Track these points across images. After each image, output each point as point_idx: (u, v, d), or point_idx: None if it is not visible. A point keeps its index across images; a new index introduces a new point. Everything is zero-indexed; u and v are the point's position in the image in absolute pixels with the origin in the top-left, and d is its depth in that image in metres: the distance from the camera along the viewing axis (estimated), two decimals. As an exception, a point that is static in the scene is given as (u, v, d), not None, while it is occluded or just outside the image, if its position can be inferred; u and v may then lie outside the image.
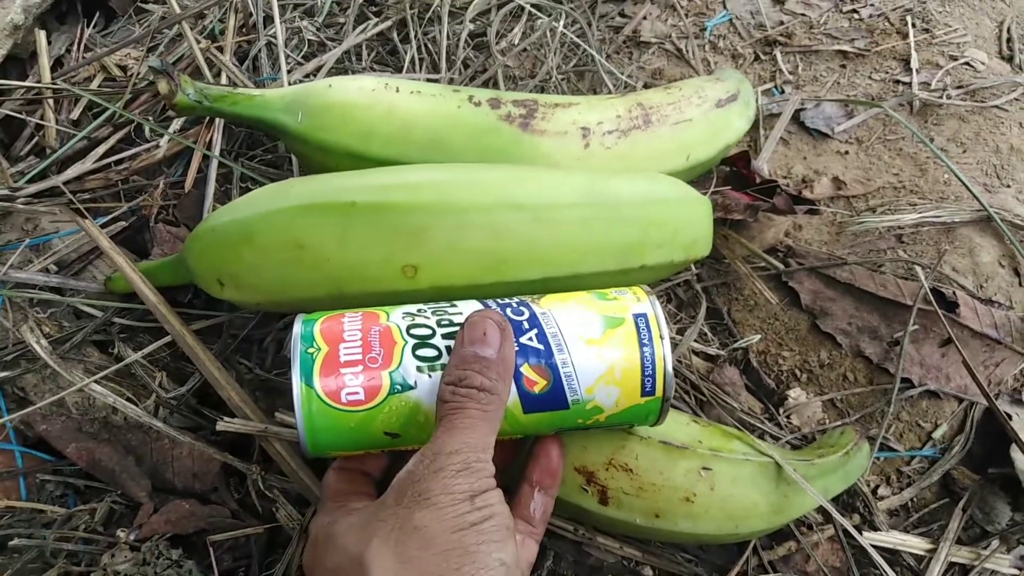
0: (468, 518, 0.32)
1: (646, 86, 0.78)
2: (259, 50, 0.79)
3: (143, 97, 0.78)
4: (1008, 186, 0.66)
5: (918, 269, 0.58)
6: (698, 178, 0.68)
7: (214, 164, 0.66)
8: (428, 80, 0.76)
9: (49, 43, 0.90)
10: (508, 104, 0.59)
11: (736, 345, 0.59)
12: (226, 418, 0.49)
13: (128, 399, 0.52)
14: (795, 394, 0.57)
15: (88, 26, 0.96)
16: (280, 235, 0.46)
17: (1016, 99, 0.72)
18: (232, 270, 0.48)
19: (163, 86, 0.56)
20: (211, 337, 0.57)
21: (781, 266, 0.63)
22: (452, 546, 0.31)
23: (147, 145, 0.72)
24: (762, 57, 0.80)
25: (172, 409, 0.53)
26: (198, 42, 0.78)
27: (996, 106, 0.71)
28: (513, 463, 0.45)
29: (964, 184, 0.62)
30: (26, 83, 0.79)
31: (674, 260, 0.50)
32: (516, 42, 0.78)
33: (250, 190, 0.68)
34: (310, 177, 0.50)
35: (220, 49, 0.81)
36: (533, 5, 0.80)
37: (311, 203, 0.46)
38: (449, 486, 0.33)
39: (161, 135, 0.70)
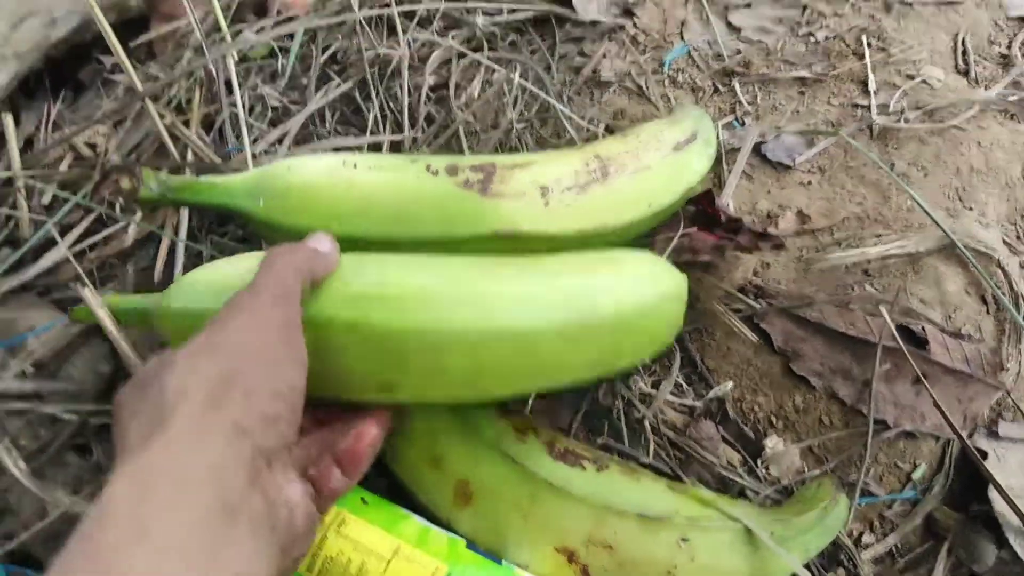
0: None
1: (608, 127, 0.78)
2: (223, 121, 0.79)
3: (113, 178, 0.79)
4: (970, 208, 0.66)
5: (881, 307, 0.58)
6: (665, 221, 0.69)
7: (180, 249, 0.66)
8: (393, 139, 0.77)
9: (18, 124, 0.90)
10: (466, 170, 0.60)
11: (711, 395, 0.59)
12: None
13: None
14: (772, 443, 0.57)
15: (57, 101, 0.96)
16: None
17: (973, 117, 0.72)
18: None
19: (125, 183, 0.57)
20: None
21: (757, 306, 0.63)
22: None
23: (118, 227, 0.72)
24: (721, 89, 0.80)
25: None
26: (163, 117, 0.79)
27: (954, 126, 0.71)
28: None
29: (927, 213, 0.63)
30: (-7, 173, 0.80)
31: (645, 359, 0.52)
32: (476, 96, 0.79)
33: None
34: None
35: (187, 122, 0.81)
36: (490, 58, 0.81)
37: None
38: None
39: (128, 222, 0.70)
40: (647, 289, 0.52)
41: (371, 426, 0.43)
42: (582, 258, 0.55)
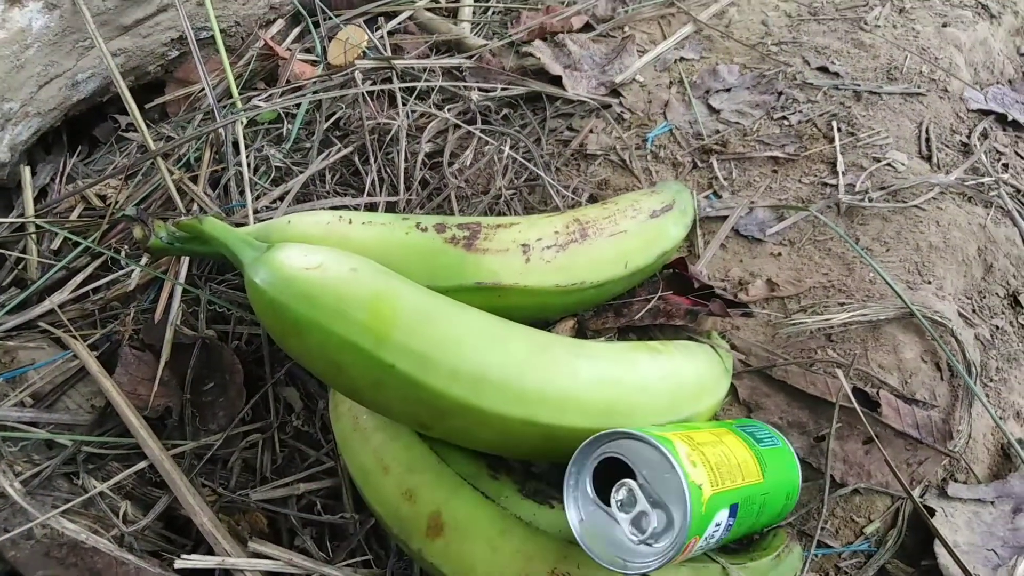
0: None
1: (592, 197, 0.83)
2: (229, 178, 0.84)
3: (120, 226, 0.83)
4: (929, 282, 0.70)
5: (838, 371, 0.61)
6: (641, 283, 0.73)
7: (178, 292, 0.70)
8: (388, 200, 0.82)
9: (34, 174, 0.95)
10: (453, 228, 0.64)
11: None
12: (183, 555, 0.51)
13: (93, 530, 0.54)
14: (734, 494, 0.59)
15: (73, 156, 1.02)
16: (323, 353, 0.50)
17: (933, 198, 0.77)
18: (280, 338, 0.53)
19: (137, 232, 0.61)
20: (177, 459, 0.60)
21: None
22: None
23: (122, 272, 0.76)
24: (700, 165, 0.85)
25: (137, 536, 0.55)
26: (172, 173, 0.84)
27: (915, 206, 0.76)
28: None
29: (888, 283, 0.67)
30: (8, 219, 0.84)
31: None
32: (468, 164, 0.84)
33: (218, 313, 0.72)
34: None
35: (194, 179, 0.86)
36: (483, 130, 0.86)
37: (359, 344, 0.48)
38: None
39: (133, 268, 0.74)
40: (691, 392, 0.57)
41: None
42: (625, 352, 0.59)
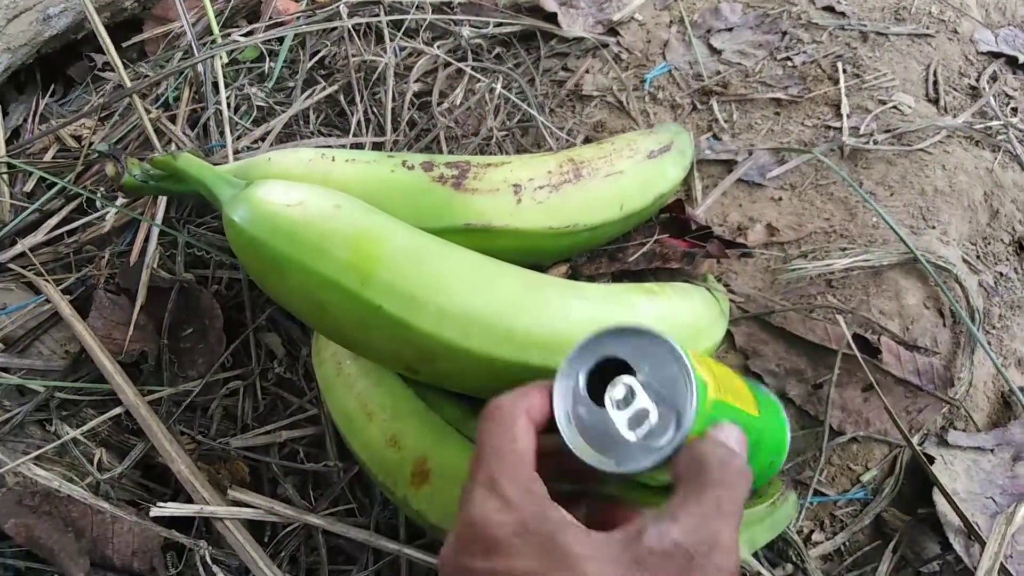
0: None
1: (587, 139, 0.80)
2: (208, 118, 0.80)
3: (95, 167, 0.80)
4: (933, 227, 0.68)
5: (838, 317, 0.59)
6: (638, 226, 0.70)
7: (155, 234, 0.67)
8: (375, 142, 0.78)
9: (6, 114, 0.92)
10: (441, 166, 0.61)
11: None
12: (160, 503, 0.50)
13: (67, 478, 0.53)
14: (729, 442, 0.58)
15: (46, 96, 0.98)
16: (306, 293, 0.48)
17: (940, 142, 0.74)
18: (260, 279, 0.51)
19: (110, 169, 0.58)
20: (154, 406, 0.58)
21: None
22: None
23: (97, 214, 0.73)
24: (699, 107, 0.82)
25: (114, 484, 0.54)
26: (148, 112, 0.80)
27: (921, 149, 0.73)
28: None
29: (892, 227, 0.64)
30: (-22, 158, 0.81)
31: None
32: (458, 103, 0.80)
33: (196, 257, 0.70)
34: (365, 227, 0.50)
35: (173, 118, 0.83)
36: (475, 68, 0.83)
37: (342, 284, 0.46)
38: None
39: (108, 209, 0.71)
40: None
41: None
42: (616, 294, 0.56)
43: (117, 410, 0.54)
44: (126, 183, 0.58)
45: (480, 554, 0.33)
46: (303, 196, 0.51)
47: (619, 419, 0.38)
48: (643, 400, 0.38)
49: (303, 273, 0.47)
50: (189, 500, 0.53)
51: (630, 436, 0.38)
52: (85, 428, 0.54)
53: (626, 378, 0.39)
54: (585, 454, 0.38)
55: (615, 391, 0.39)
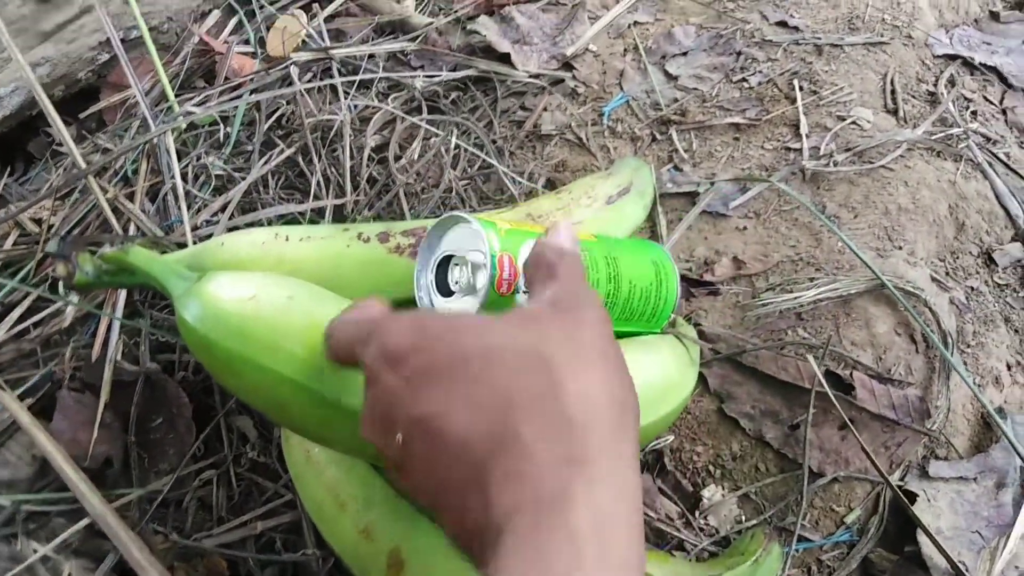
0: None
1: (549, 180, 0.80)
2: (166, 192, 0.80)
3: (49, 261, 0.79)
4: (900, 247, 0.68)
5: (809, 356, 0.59)
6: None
7: (116, 326, 0.66)
8: (335, 204, 0.78)
9: (-35, 200, 0.91)
10: (397, 236, 0.61)
11: (649, 448, 0.59)
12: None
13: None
14: (709, 493, 0.57)
15: (4, 176, 0.97)
16: (263, 391, 0.46)
17: (901, 156, 0.74)
18: (217, 377, 0.51)
19: (60, 269, 0.57)
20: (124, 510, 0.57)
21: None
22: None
23: (57, 306, 0.73)
24: (659, 137, 0.82)
25: (89, 595, 0.53)
26: (105, 192, 0.80)
27: (883, 166, 0.73)
28: None
29: (857, 255, 0.64)
30: (-63, 255, 0.80)
31: None
32: (416, 157, 0.80)
33: (162, 341, 0.69)
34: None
35: (131, 195, 0.82)
36: (430, 121, 0.82)
37: (298, 380, 0.45)
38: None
39: (65, 302, 0.70)
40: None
41: None
42: None
43: (86, 520, 0.53)
44: (78, 281, 0.57)
45: (390, 368, 0.33)
46: (255, 289, 0.50)
47: (459, 292, 0.49)
48: (466, 269, 0.49)
49: (258, 372, 0.46)
50: (168, 603, 0.52)
51: (465, 297, 0.48)
52: (54, 543, 0.53)
53: (453, 260, 0.50)
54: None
55: (453, 274, 0.50)
